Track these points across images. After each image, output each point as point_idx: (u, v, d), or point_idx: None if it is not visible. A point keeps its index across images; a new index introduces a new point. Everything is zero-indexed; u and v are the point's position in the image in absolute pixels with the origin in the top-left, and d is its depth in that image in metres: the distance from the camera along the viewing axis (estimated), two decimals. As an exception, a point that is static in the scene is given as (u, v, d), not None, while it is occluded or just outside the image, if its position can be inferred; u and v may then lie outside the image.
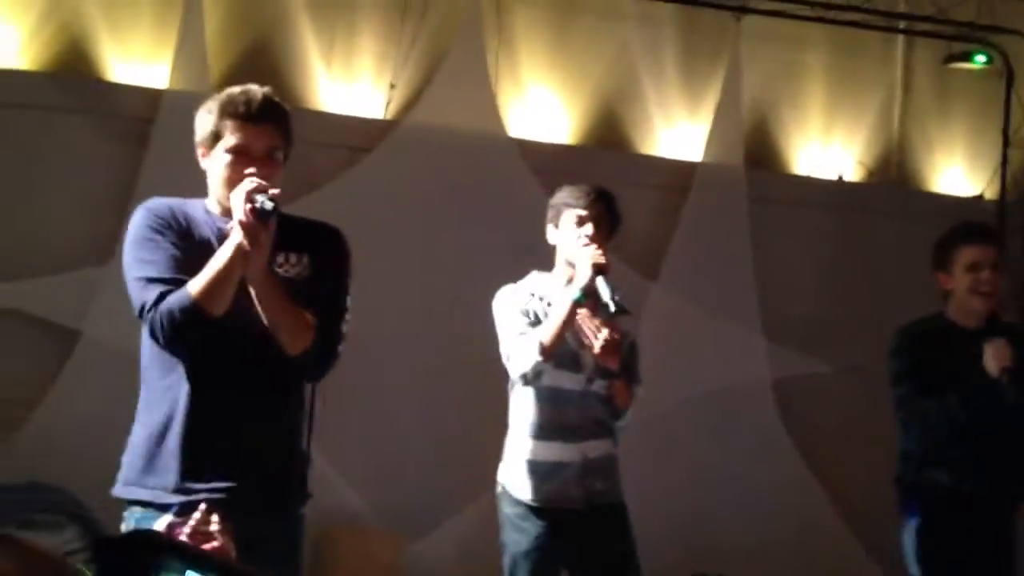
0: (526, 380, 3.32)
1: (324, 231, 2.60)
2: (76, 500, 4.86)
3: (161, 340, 2.43)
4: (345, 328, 2.55)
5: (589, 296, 3.24)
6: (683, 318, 5.82)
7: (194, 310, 2.37)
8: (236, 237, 2.39)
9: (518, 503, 3.38)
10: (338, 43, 5.89)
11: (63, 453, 4.99)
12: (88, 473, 4.78)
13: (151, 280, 2.43)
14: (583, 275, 3.23)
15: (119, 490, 2.54)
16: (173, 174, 5.26)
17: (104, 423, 4.92)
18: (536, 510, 3.35)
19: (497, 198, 5.75)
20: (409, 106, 5.86)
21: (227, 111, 2.50)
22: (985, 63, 6.48)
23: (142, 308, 2.44)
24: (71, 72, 5.53)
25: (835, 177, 6.48)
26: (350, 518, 5.36)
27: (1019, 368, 3.39)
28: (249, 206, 2.37)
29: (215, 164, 2.53)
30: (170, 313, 2.38)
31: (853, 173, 6.55)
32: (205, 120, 2.55)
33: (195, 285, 2.39)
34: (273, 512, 2.53)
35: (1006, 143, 6.59)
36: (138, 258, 2.47)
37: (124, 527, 2.52)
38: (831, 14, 6.23)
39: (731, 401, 5.89)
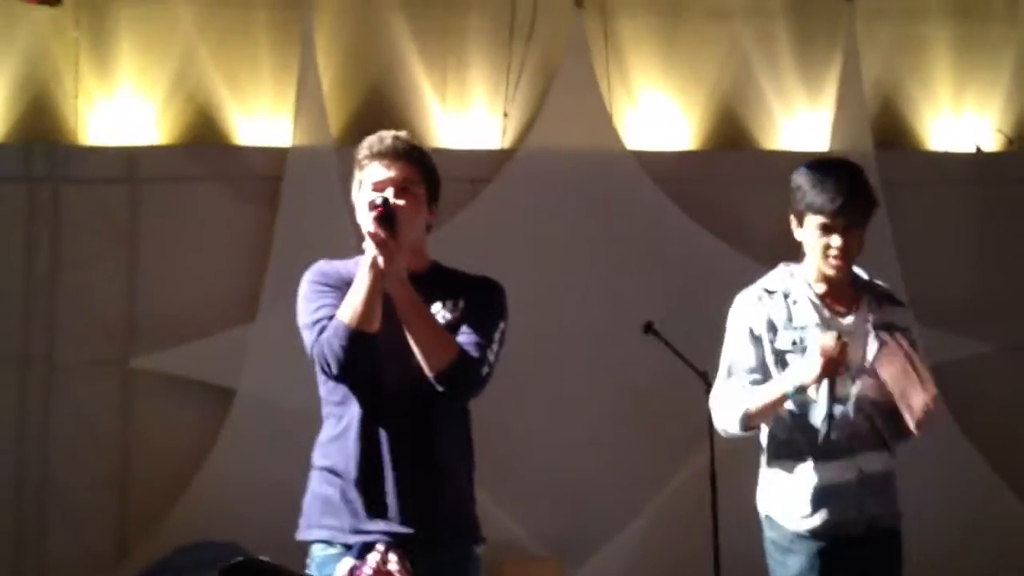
0: (727, 434, 3.00)
1: (483, 281, 2.71)
2: (249, 552, 4.97)
3: (327, 370, 2.54)
4: (492, 357, 2.61)
5: (803, 391, 2.85)
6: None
7: (347, 333, 2.47)
8: (369, 254, 2.49)
9: (781, 529, 2.96)
10: (450, 78, 5.97)
11: (230, 509, 5.15)
12: (258, 525, 4.94)
13: (314, 322, 2.57)
14: (808, 371, 2.81)
15: (301, 533, 2.61)
16: (304, 227, 5.49)
17: (266, 475, 5.11)
18: (811, 534, 2.91)
19: (622, 213, 5.73)
20: (524, 132, 5.89)
21: (365, 159, 2.67)
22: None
23: (311, 347, 2.57)
24: (202, 140, 5.74)
25: (972, 149, 6.24)
26: (512, 548, 5.38)
27: None
28: (372, 214, 2.48)
29: (363, 206, 2.62)
30: (328, 342, 2.50)
31: (992, 142, 6.31)
32: (356, 180, 2.70)
33: (343, 311, 2.51)
34: (447, 552, 2.57)
35: None
36: (305, 310, 2.62)
37: (308, 571, 2.59)
38: (947, -21, 6.05)
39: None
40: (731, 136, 6.13)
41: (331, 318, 2.53)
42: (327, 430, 2.63)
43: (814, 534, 2.89)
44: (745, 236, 5.82)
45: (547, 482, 5.45)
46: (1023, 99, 6.35)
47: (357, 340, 2.48)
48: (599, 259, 5.68)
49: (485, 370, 2.58)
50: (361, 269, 2.50)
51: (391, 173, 2.61)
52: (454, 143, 5.91)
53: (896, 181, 5.95)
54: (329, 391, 2.62)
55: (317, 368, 2.58)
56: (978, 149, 6.25)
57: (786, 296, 2.94)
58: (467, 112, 5.98)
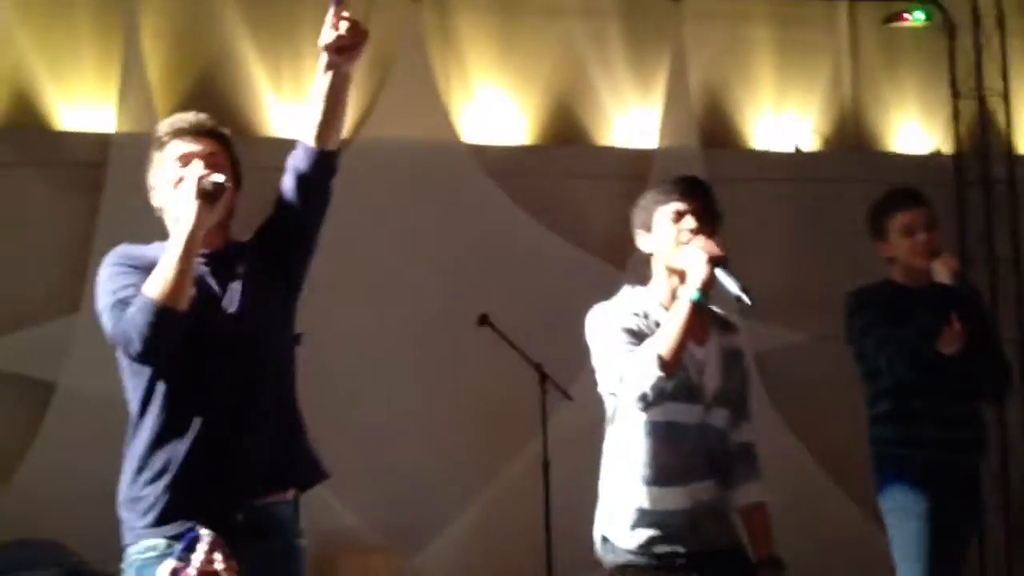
0: (646, 403, 2.73)
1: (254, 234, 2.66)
2: (72, 551, 4.82)
3: (131, 352, 2.40)
4: None
5: (708, 295, 2.72)
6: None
7: (154, 308, 2.36)
8: (182, 229, 2.42)
9: (626, 553, 2.84)
10: (284, 67, 5.88)
11: (51, 506, 4.97)
12: (79, 523, 4.77)
13: (117, 302, 2.44)
14: (698, 271, 2.70)
15: (125, 537, 2.51)
16: (129, 217, 5.22)
17: (89, 472, 4.92)
18: (646, 560, 2.82)
19: (457, 206, 5.76)
20: (360, 122, 5.85)
21: (166, 136, 2.58)
22: (925, 20, 6.55)
23: (113, 328, 2.43)
24: (20, 124, 5.49)
25: (792, 149, 6.52)
26: (347, 539, 5.35)
27: (970, 328, 3.48)
28: (197, 185, 2.44)
29: (167, 183, 2.54)
30: (132, 319, 2.38)
31: (810, 142, 6.60)
32: (155, 160, 2.60)
33: (149, 285, 2.39)
34: (271, 544, 2.52)
35: (956, 95, 6.66)
36: (105, 291, 2.49)
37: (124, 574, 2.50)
38: (770, -13, 6.30)
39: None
40: (566, 132, 6.23)
41: (132, 300, 2.41)
42: (133, 417, 2.52)
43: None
44: (579, 230, 5.94)
45: (382, 473, 5.45)
46: (839, 101, 6.67)
47: (164, 316, 2.36)
48: (434, 251, 5.70)
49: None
50: (171, 243, 2.42)
51: (198, 147, 2.54)
52: (287, 131, 5.82)
53: (721, 177, 6.15)
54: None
55: (119, 350, 2.45)
56: (797, 149, 6.54)
57: (645, 315, 2.82)
58: (301, 99, 5.90)
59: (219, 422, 2.46)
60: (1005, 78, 6.66)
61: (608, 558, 2.88)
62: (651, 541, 2.80)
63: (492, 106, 6.16)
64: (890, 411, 3.59)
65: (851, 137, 6.67)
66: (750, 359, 2.96)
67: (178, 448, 2.45)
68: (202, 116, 2.62)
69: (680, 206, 2.83)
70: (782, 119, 6.57)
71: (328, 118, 2.58)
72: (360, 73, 5.94)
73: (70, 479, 4.96)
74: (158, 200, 2.59)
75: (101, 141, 5.48)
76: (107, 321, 2.46)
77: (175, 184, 2.52)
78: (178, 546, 2.37)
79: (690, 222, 2.80)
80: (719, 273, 2.70)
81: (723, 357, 2.85)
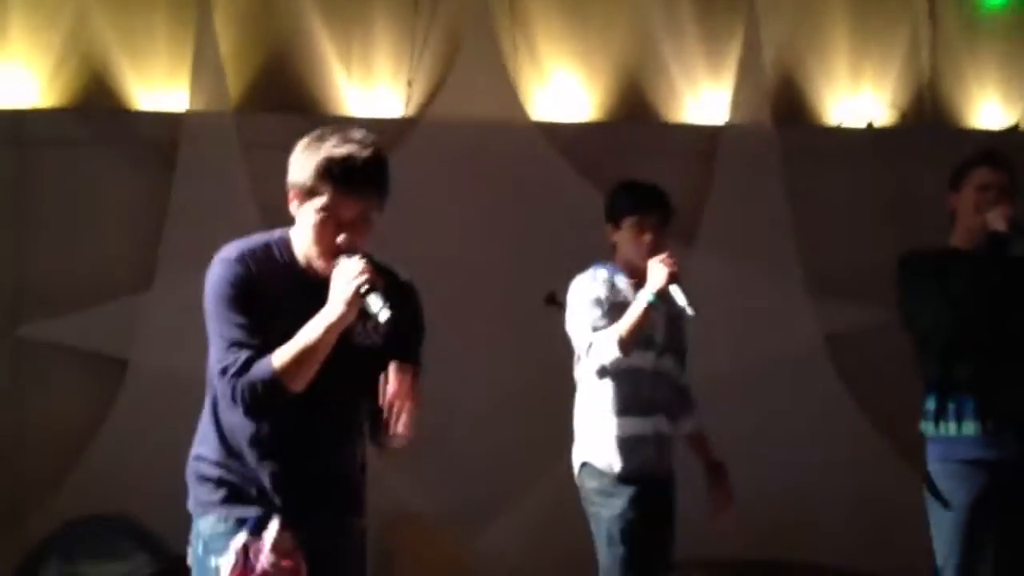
0: (603, 373, 3.61)
1: (403, 288, 2.56)
2: (141, 526, 4.91)
3: (241, 408, 2.43)
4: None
5: (662, 298, 3.56)
6: (724, 283, 5.75)
7: (276, 384, 2.38)
8: (328, 317, 2.37)
9: (603, 475, 3.62)
10: (355, 47, 5.90)
11: (123, 482, 5.07)
12: (151, 498, 4.86)
13: (236, 344, 2.42)
14: (656, 281, 3.54)
15: (191, 507, 2.54)
16: (201, 196, 5.38)
17: (159, 447, 4.99)
18: (624, 480, 3.59)
19: (525, 183, 5.73)
20: (428, 101, 5.85)
21: (325, 174, 2.42)
22: (1009, -11, 6.37)
23: (224, 370, 2.43)
24: (94, 104, 5.58)
25: (865, 124, 6.38)
26: (412, 516, 5.38)
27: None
28: (354, 294, 2.36)
29: (305, 215, 2.47)
30: (252, 386, 2.39)
31: (885, 117, 6.45)
32: (300, 169, 2.46)
33: (279, 358, 2.38)
34: (337, 524, 2.54)
35: (1040, 68, 6.48)
36: (223, 317, 2.44)
37: (191, 549, 2.53)
38: (847, -44, 6.15)
39: (783, 363, 5.80)
40: (635, 109, 6.16)
41: (251, 347, 2.40)
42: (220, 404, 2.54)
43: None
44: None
45: (448, 454, 5.45)
46: (917, 74, 6.50)
47: (279, 390, 2.38)
48: (502, 229, 5.68)
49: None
50: (314, 327, 2.37)
51: (360, 207, 2.42)
52: (357, 111, 5.83)
53: (794, 153, 6.06)
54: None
55: (226, 389, 2.42)
56: (870, 124, 6.39)
57: (612, 284, 3.71)
58: (372, 82, 5.91)
59: (301, 410, 2.46)
60: (1091, 49, 6.45)
61: (587, 482, 3.64)
62: (625, 463, 3.57)
63: (561, 83, 6.11)
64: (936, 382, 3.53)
65: (928, 112, 6.51)
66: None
67: (257, 428, 2.47)
68: (363, 163, 2.40)
69: (643, 220, 3.69)
70: (858, 93, 6.43)
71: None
72: (430, 50, 5.97)
73: (141, 455, 5.05)
74: (294, 208, 2.50)
75: (174, 120, 5.54)
76: (214, 345, 2.46)
77: (314, 240, 2.44)
78: (249, 522, 2.40)
79: (649, 237, 3.67)
80: (672, 288, 3.52)
81: (668, 316, 3.68)
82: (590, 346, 3.60)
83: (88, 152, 5.47)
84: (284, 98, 5.76)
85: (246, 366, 2.39)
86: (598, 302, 3.64)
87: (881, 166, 6.18)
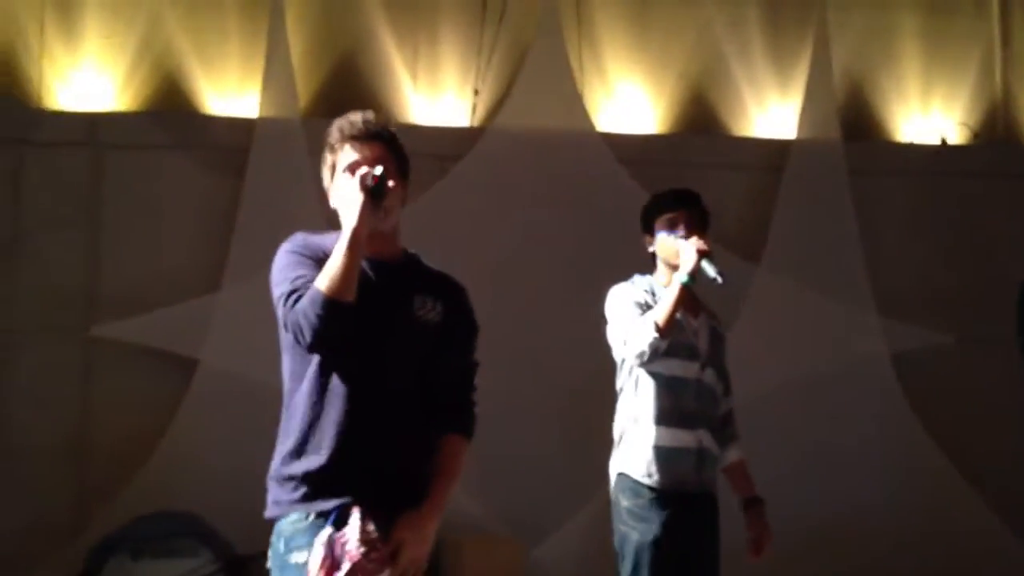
0: (643, 360, 3.47)
1: (454, 285, 2.73)
2: (206, 524, 4.97)
3: (301, 340, 2.53)
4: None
5: (696, 279, 3.48)
6: (790, 299, 5.70)
7: (324, 301, 2.48)
8: (347, 225, 2.51)
9: (638, 493, 3.51)
10: (422, 55, 5.94)
11: (190, 479, 5.13)
12: (217, 496, 4.93)
13: (291, 292, 2.56)
14: (688, 261, 3.45)
15: (271, 511, 2.58)
16: (271, 199, 5.45)
17: (226, 445, 5.09)
18: (659, 498, 3.47)
19: (589, 194, 5.73)
20: (494, 111, 5.87)
21: (338, 135, 2.63)
22: (1085, 7, 6.25)
23: (285, 302, 2.56)
24: (168, 108, 5.69)
25: (937, 141, 6.30)
26: (472, 527, 5.39)
27: None
28: (362, 181, 2.51)
29: (337, 190, 2.63)
30: (304, 311, 2.49)
31: (957, 135, 6.36)
32: (327, 163, 2.67)
33: (321, 280, 2.50)
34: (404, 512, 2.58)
35: (1115, 87, 6.35)
36: (281, 278, 2.60)
37: (271, 550, 2.56)
38: (919, -27, 6.08)
39: (848, 381, 5.72)
40: (700, 121, 6.14)
41: (303, 287, 2.52)
42: (294, 396, 2.59)
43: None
44: (712, 222, 5.83)
45: (508, 463, 5.46)
46: (989, 93, 6.41)
47: (333, 309, 2.47)
48: (565, 238, 5.69)
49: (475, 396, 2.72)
50: (340, 240, 2.51)
51: (366, 153, 2.61)
52: (424, 120, 5.88)
53: (863, 170, 5.99)
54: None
55: (288, 335, 2.55)
56: (943, 141, 6.31)
57: (652, 292, 3.60)
58: (437, 89, 5.96)
59: (376, 406, 2.53)
60: None
61: (621, 499, 3.53)
62: (662, 475, 3.45)
63: (627, 94, 6.11)
64: None
65: (1001, 130, 6.41)
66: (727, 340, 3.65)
67: (335, 428, 2.52)
68: (370, 117, 2.66)
69: (672, 215, 3.58)
70: (929, 111, 6.35)
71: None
72: (497, 60, 6.00)
73: (209, 454, 5.12)
74: (333, 202, 2.64)
75: (246, 125, 5.63)
76: (280, 308, 2.56)
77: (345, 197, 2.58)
78: (331, 515, 2.44)
79: (681, 229, 3.56)
80: (703, 263, 3.43)
81: (711, 332, 3.60)
82: (626, 341, 3.49)
83: (160, 156, 5.57)
84: (351, 105, 5.74)
85: (300, 297, 2.52)
86: (637, 304, 3.54)
87: (950, 184, 6.10)
